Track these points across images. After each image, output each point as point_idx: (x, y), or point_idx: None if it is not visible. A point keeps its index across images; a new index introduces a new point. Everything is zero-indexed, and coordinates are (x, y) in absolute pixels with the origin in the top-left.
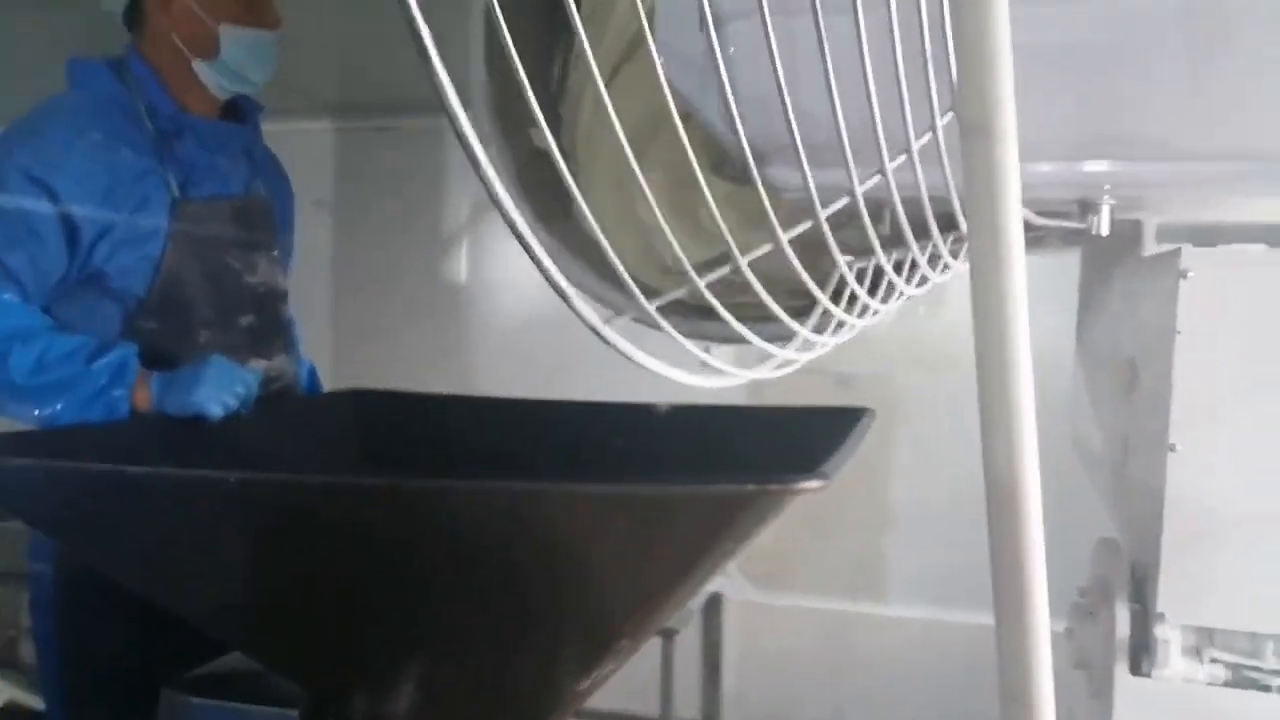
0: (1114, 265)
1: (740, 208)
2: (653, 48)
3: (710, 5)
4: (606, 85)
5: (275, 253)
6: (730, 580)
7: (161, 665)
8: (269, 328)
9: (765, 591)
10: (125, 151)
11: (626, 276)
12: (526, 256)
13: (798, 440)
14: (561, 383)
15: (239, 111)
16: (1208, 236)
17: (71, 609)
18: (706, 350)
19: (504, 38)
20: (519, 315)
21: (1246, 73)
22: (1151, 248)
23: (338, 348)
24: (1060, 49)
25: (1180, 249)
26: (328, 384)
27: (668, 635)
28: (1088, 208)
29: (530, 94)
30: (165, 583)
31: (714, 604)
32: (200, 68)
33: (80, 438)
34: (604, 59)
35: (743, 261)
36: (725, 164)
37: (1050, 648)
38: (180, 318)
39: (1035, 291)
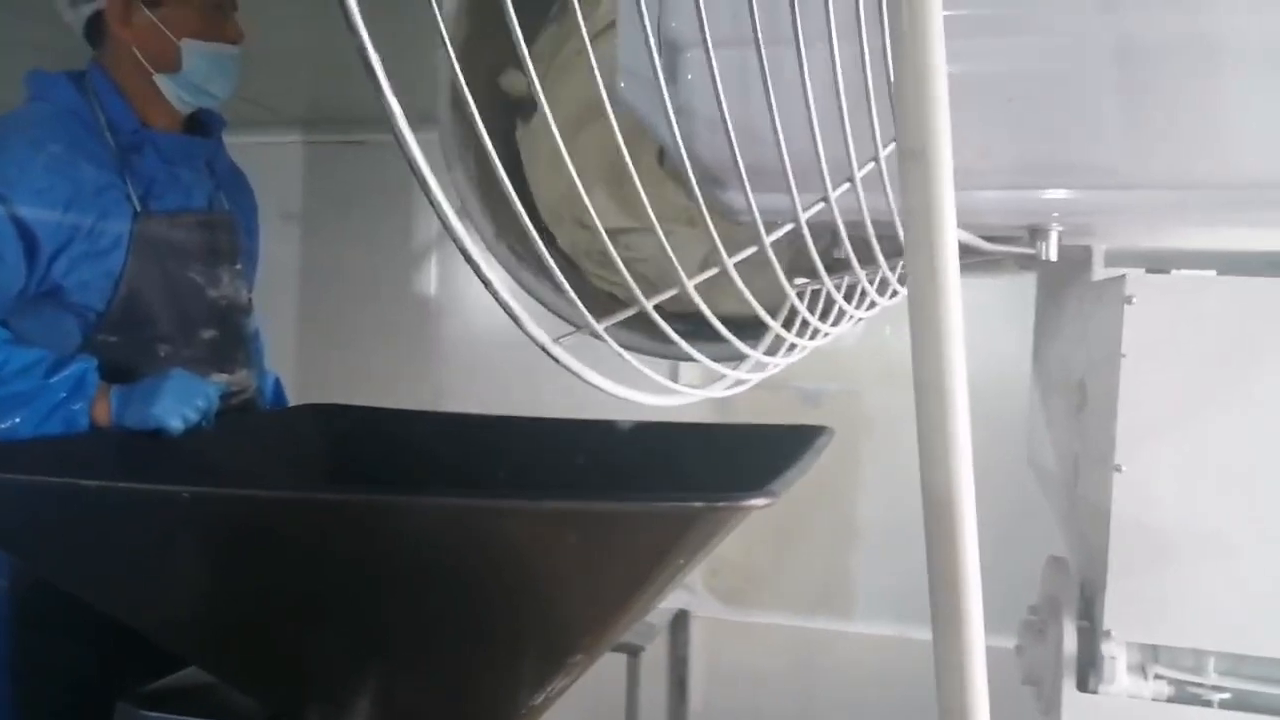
0: (1066, 289)
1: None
2: (592, 54)
3: (667, 32)
4: (576, 54)
5: (238, 265)
6: (696, 597)
7: (117, 680)
8: (231, 341)
9: (732, 608)
10: (85, 165)
11: (574, 295)
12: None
13: (758, 458)
14: (531, 397)
15: (201, 125)
16: (1161, 262)
17: (26, 624)
18: (675, 370)
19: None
20: (488, 329)
21: (1182, 105)
22: (1100, 273)
23: (304, 361)
24: (1006, 79)
25: (1125, 275)
26: (293, 398)
27: (633, 652)
28: (1037, 234)
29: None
30: (120, 597)
31: (680, 620)
32: (162, 81)
33: (39, 451)
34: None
35: (689, 285)
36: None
37: (986, 661)
38: (140, 331)
39: (995, 313)
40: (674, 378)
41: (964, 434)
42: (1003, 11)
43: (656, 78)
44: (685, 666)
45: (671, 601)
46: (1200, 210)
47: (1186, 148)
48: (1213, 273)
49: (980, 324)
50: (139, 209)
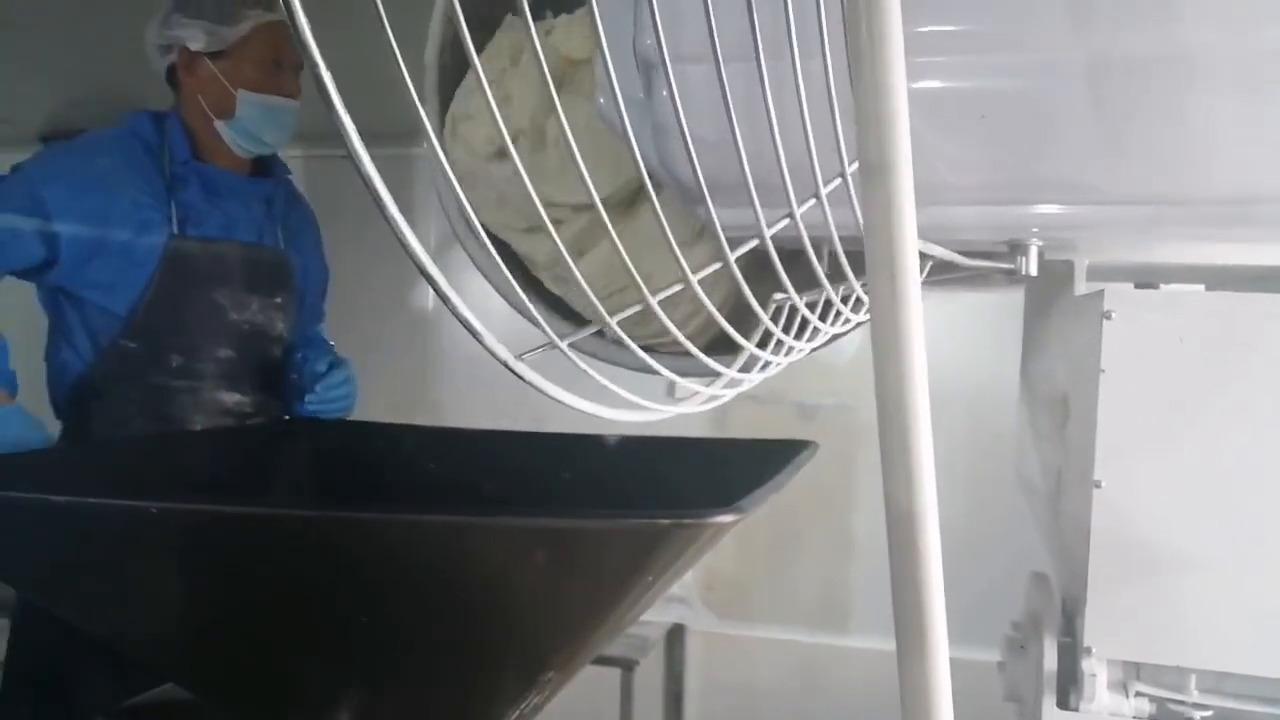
0: (1051, 304)
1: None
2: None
3: (643, 50)
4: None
5: (277, 299)
6: (692, 610)
7: (105, 695)
8: (250, 364)
9: (727, 622)
10: (130, 181)
11: (533, 310)
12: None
13: (743, 472)
14: (532, 412)
15: (265, 168)
16: (1151, 276)
17: (15, 636)
18: (671, 385)
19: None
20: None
21: (1156, 121)
22: (1082, 288)
23: None
24: (980, 95)
25: (1104, 290)
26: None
27: (628, 666)
28: (1017, 249)
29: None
30: (93, 612)
31: (676, 634)
32: (220, 127)
33: (13, 465)
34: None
35: (653, 301)
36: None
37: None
38: (157, 340)
39: (988, 327)
40: (671, 392)
41: (926, 450)
42: (976, 28)
43: (616, 98)
44: (681, 681)
45: (667, 615)
46: (1177, 226)
47: (1162, 164)
48: (1201, 287)
49: (973, 338)
50: (175, 231)
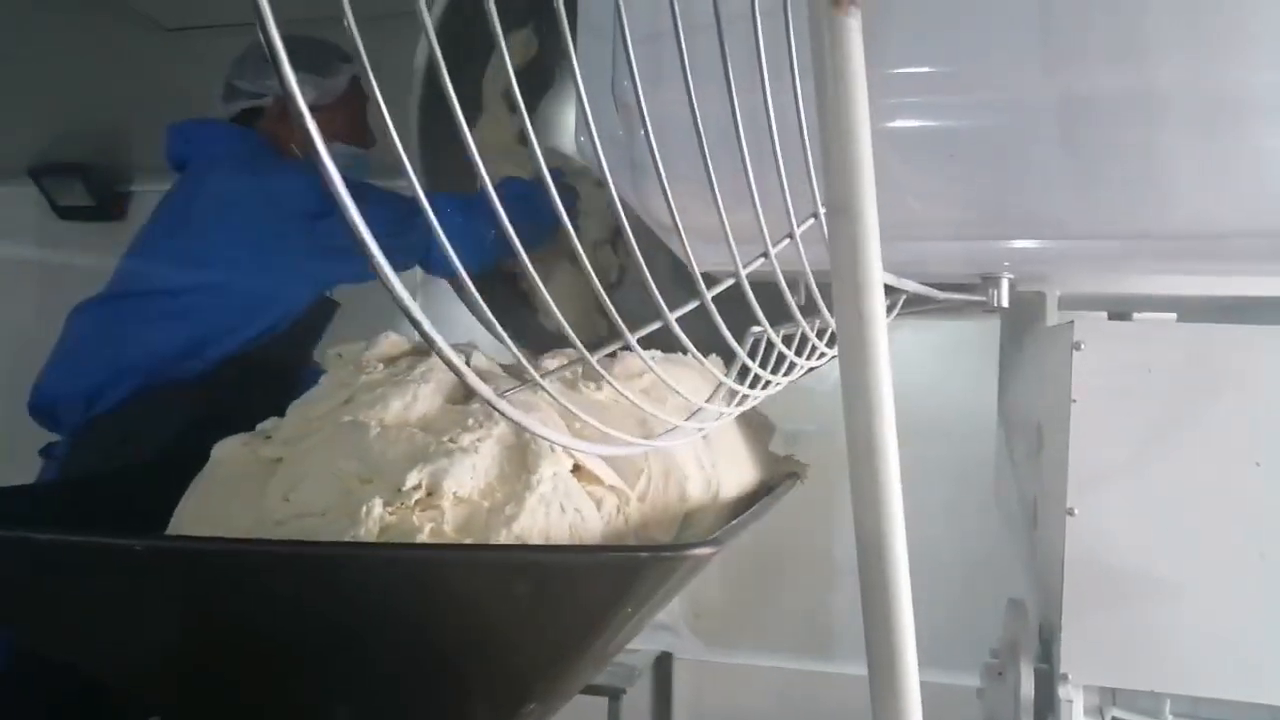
0: (1024, 334)
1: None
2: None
3: (621, 93)
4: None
5: None
6: (679, 639)
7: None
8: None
9: (715, 650)
10: None
11: (514, 348)
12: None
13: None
14: None
15: None
16: (1124, 306)
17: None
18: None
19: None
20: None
21: (1123, 158)
22: (1054, 318)
23: None
24: (951, 135)
25: (1074, 321)
26: None
27: (614, 695)
28: (989, 281)
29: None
30: (80, 648)
31: (663, 663)
32: None
33: (15, 500)
34: None
35: (632, 339)
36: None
37: (920, 701)
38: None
39: (967, 356)
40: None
41: (894, 481)
42: (945, 69)
43: (592, 135)
44: (669, 709)
45: (654, 644)
46: (1146, 259)
47: (1130, 200)
48: (1173, 317)
49: (954, 366)
50: None
